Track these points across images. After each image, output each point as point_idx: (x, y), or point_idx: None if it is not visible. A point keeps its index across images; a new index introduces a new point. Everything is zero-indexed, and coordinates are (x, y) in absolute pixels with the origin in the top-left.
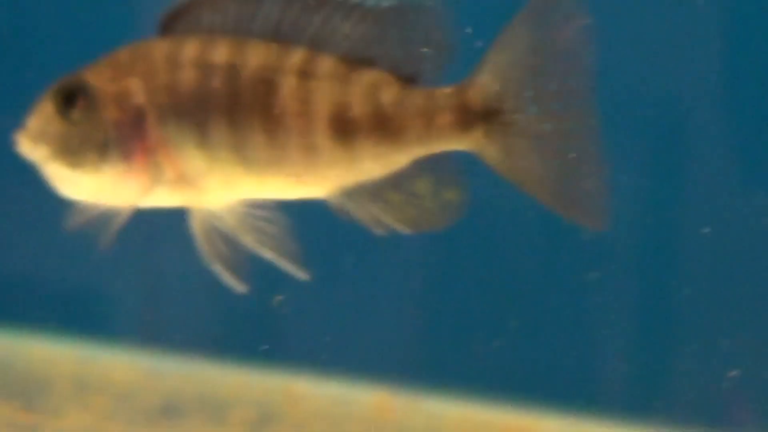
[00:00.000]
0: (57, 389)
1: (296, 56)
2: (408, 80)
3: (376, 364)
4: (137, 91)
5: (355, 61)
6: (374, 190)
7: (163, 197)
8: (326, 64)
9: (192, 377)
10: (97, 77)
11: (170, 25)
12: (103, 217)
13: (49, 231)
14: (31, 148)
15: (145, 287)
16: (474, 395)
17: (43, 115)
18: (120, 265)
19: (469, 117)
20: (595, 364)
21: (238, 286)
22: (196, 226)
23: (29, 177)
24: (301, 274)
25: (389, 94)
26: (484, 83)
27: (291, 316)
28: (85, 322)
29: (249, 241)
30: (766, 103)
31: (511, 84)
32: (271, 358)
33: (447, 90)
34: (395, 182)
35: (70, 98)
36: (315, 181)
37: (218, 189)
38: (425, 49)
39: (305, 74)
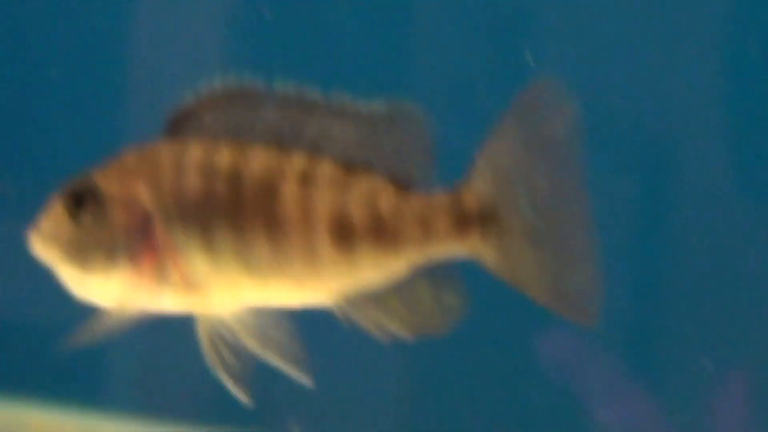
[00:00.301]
0: None
1: (296, 161)
2: (403, 185)
3: None
4: (144, 194)
5: (352, 166)
6: (376, 297)
7: (168, 302)
8: (325, 169)
9: None
10: (106, 180)
11: (175, 127)
12: (110, 324)
13: (48, 299)
14: (43, 249)
15: (148, 359)
16: None
17: (53, 217)
18: (122, 336)
19: (466, 222)
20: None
21: (242, 397)
22: (202, 334)
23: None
24: (304, 380)
25: (386, 200)
26: (479, 187)
27: (295, 399)
28: (85, 393)
29: (253, 345)
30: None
31: (505, 185)
32: None
33: (442, 196)
34: (396, 288)
35: (79, 201)
36: (317, 287)
37: (222, 293)
38: (414, 155)
39: (306, 180)
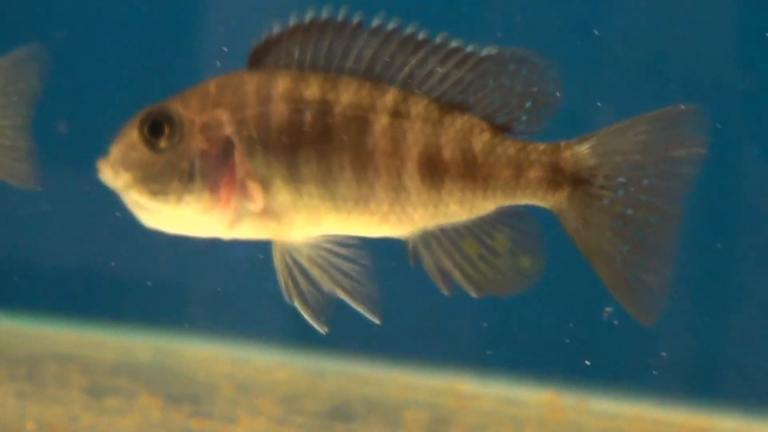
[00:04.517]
0: (222, 392)
1: (389, 96)
2: (501, 129)
3: (542, 363)
4: (226, 122)
5: (449, 104)
6: (454, 237)
7: (246, 229)
8: (419, 105)
9: (355, 379)
10: (185, 107)
11: (260, 58)
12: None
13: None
14: (112, 175)
15: None
16: (647, 394)
17: (127, 143)
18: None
19: (558, 177)
20: None
21: (319, 327)
22: (277, 261)
23: None
24: (374, 319)
25: (481, 140)
26: (582, 153)
27: (453, 317)
28: (238, 323)
29: (324, 279)
30: None
31: (608, 165)
32: (436, 358)
33: (541, 146)
34: (476, 231)
35: (156, 127)
36: (400, 221)
37: (303, 224)
38: (524, 102)
39: (398, 114)
